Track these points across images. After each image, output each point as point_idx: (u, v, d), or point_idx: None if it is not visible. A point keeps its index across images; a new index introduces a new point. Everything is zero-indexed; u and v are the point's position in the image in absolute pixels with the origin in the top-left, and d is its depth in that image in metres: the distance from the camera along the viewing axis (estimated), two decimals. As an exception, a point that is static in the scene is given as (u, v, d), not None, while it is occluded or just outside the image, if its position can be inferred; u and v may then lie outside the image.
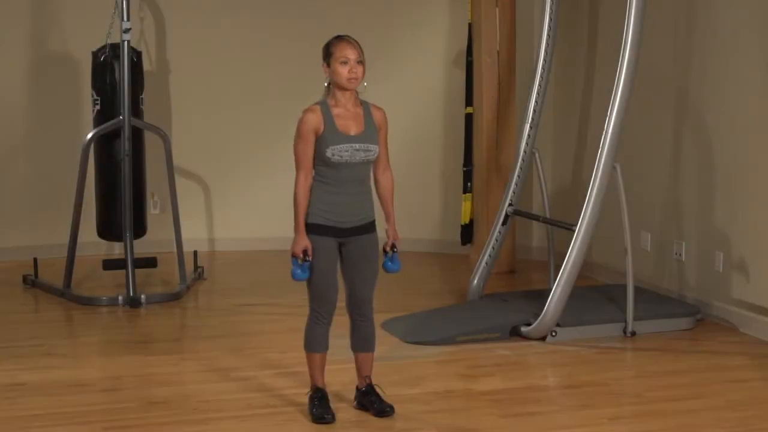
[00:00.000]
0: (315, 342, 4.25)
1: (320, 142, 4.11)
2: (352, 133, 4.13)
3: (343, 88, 4.14)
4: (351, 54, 4.12)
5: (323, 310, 4.21)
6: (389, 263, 4.34)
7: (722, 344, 5.51)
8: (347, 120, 4.15)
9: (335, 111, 4.14)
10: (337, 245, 4.20)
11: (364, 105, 4.22)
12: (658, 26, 6.25)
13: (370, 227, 4.25)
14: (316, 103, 4.18)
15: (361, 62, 4.14)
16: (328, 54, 4.17)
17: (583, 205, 5.52)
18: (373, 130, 4.18)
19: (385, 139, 4.26)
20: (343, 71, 4.11)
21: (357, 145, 4.13)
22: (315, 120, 4.12)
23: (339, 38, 4.19)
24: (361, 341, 4.33)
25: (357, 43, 4.18)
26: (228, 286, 6.99)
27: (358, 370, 4.38)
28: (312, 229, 4.16)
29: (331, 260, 4.18)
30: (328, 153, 4.10)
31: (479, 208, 7.40)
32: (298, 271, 4.14)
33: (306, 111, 4.15)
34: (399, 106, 8.06)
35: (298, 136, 4.16)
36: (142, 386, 4.76)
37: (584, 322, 5.61)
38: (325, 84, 4.19)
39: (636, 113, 6.16)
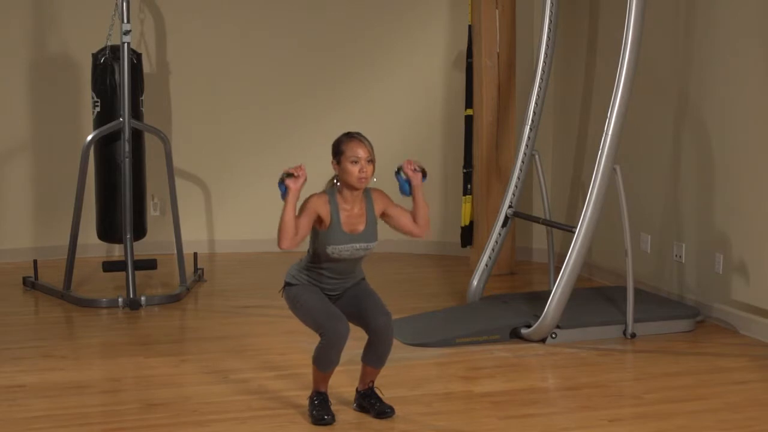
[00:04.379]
0: (327, 362, 4.17)
1: (322, 237, 4.11)
2: (356, 232, 4.14)
3: (352, 187, 4.13)
4: (362, 153, 4.10)
5: (336, 329, 4.08)
6: (404, 185, 4.22)
7: (722, 346, 5.51)
8: (352, 219, 4.15)
9: (342, 208, 4.14)
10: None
11: (366, 194, 4.21)
12: (658, 27, 6.25)
13: (357, 283, 4.30)
14: (324, 192, 4.16)
15: (371, 161, 4.12)
16: (338, 152, 4.14)
17: (583, 207, 5.52)
18: (373, 225, 4.19)
19: (395, 204, 4.26)
20: (353, 170, 4.09)
21: (358, 245, 4.14)
22: (322, 207, 4.10)
23: (350, 137, 4.16)
24: (376, 359, 4.27)
25: (368, 141, 4.15)
26: (228, 287, 6.99)
27: (363, 377, 4.36)
28: (295, 286, 4.22)
29: (319, 295, 4.19)
30: (329, 250, 4.11)
31: (479, 210, 7.40)
32: (283, 186, 4.05)
33: (313, 195, 4.11)
34: (399, 107, 8.09)
35: (300, 209, 4.12)
36: (142, 388, 4.76)
37: (584, 324, 5.61)
38: (334, 181, 4.17)
39: (636, 115, 6.16)
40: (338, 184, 4.16)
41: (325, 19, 8.07)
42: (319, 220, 4.10)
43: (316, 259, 4.19)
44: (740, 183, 5.75)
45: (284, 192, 4.02)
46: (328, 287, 4.22)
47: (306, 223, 4.07)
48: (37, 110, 7.78)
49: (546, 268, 6.46)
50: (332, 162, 4.16)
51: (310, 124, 8.05)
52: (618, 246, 5.95)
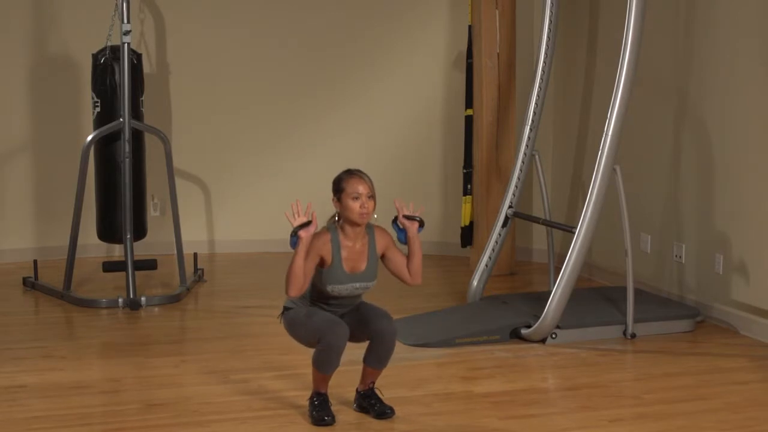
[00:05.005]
0: (327, 365, 4.18)
1: (324, 275, 4.13)
2: (357, 271, 4.15)
3: (354, 224, 4.13)
4: (363, 189, 4.10)
5: (333, 331, 4.09)
6: (400, 234, 4.22)
7: (722, 346, 5.51)
8: (353, 257, 4.15)
9: (344, 245, 4.14)
10: None
11: (369, 231, 4.21)
12: (658, 27, 6.25)
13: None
14: (326, 230, 4.16)
15: (372, 197, 4.13)
16: (339, 189, 4.14)
17: (583, 207, 5.52)
18: (374, 263, 4.20)
19: (395, 248, 4.26)
20: (354, 206, 4.09)
21: (358, 284, 4.16)
22: (324, 248, 4.11)
23: (350, 173, 4.16)
24: (377, 360, 4.28)
25: (368, 177, 4.16)
26: (228, 288, 6.99)
27: (363, 377, 4.36)
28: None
29: (317, 310, 4.21)
30: (329, 288, 4.14)
31: (479, 210, 7.40)
32: (295, 238, 4.04)
33: (315, 235, 4.09)
34: (399, 108, 8.09)
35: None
36: (142, 388, 4.76)
37: (584, 325, 5.61)
38: (335, 218, 4.18)
39: (636, 115, 6.16)
40: (339, 221, 4.17)
41: (325, 19, 8.07)
42: (321, 260, 4.12)
43: (316, 293, 4.22)
44: (740, 183, 5.75)
45: (295, 242, 4.03)
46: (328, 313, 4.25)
47: (311, 267, 4.09)
48: (37, 110, 7.78)
49: (546, 268, 6.46)
50: (333, 199, 4.16)
51: (310, 124, 8.05)
52: (618, 246, 5.95)
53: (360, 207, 4.09)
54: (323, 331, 4.11)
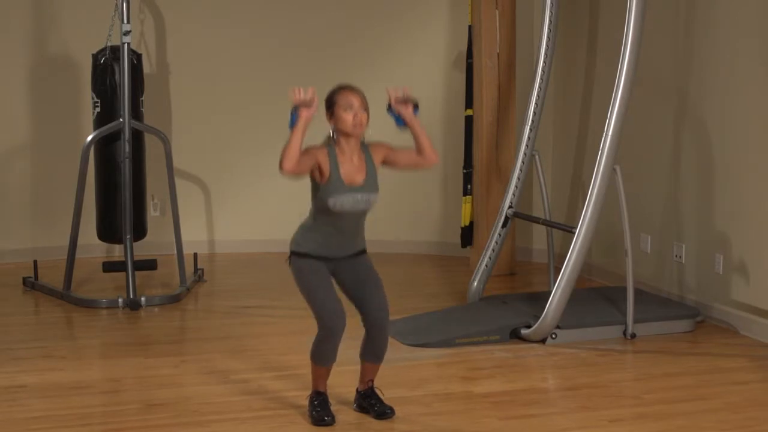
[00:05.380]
0: (324, 357, 4.19)
1: (323, 190, 4.08)
2: (356, 183, 4.11)
3: (348, 135, 4.12)
4: (355, 101, 4.10)
5: (333, 324, 4.09)
6: (398, 120, 4.17)
7: (722, 346, 5.51)
8: (351, 169, 4.12)
9: (340, 159, 4.12)
10: (329, 270, 4.18)
11: (364, 149, 4.20)
12: (658, 27, 6.25)
13: (360, 253, 4.24)
14: (323, 145, 4.15)
15: (365, 110, 4.12)
16: (331, 103, 4.14)
17: (583, 207, 5.52)
18: (373, 175, 4.17)
19: (395, 148, 4.24)
20: (347, 117, 4.09)
21: (359, 196, 4.11)
22: (322, 156, 4.08)
23: (342, 87, 4.17)
24: (373, 354, 4.28)
25: (360, 91, 4.16)
26: (228, 288, 6.99)
27: (362, 375, 4.37)
28: (300, 255, 4.15)
29: (323, 277, 4.15)
30: (330, 203, 4.07)
31: (479, 211, 7.40)
32: (295, 116, 4.02)
33: (312, 145, 4.09)
34: (399, 108, 8.09)
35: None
36: (142, 388, 4.76)
37: (584, 325, 5.61)
38: (330, 134, 4.16)
39: (636, 115, 6.16)
40: (334, 137, 4.14)
41: (325, 19, 8.07)
42: (319, 171, 4.07)
43: (318, 218, 4.14)
44: (740, 183, 5.75)
45: (294, 120, 3.99)
46: (334, 248, 4.15)
47: (306, 161, 4.03)
48: (37, 110, 7.78)
49: (546, 268, 6.46)
50: (326, 115, 4.15)
51: (310, 123, 8.03)
52: (618, 246, 5.95)
53: (353, 118, 4.08)
54: (323, 320, 4.10)
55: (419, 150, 4.19)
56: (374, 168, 4.18)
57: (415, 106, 4.16)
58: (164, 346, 5.49)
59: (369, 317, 4.20)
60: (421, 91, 7.96)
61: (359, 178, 4.13)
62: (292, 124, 4.01)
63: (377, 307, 4.20)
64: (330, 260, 4.17)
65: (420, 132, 4.17)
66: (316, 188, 4.12)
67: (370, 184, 4.15)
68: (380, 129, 4.40)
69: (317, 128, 4.16)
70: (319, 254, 4.14)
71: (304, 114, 4.01)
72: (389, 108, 4.18)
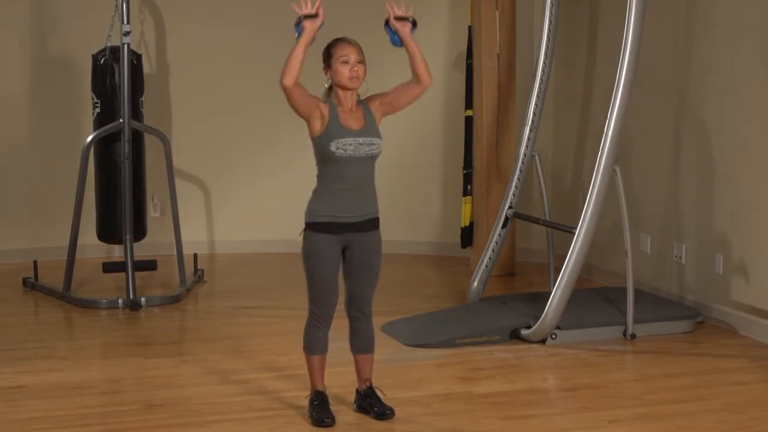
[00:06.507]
0: (314, 344, 4.25)
1: (324, 138, 4.06)
2: (355, 128, 4.11)
3: (345, 88, 4.13)
4: (351, 53, 4.13)
5: (323, 312, 4.19)
6: (393, 37, 4.15)
7: (722, 347, 5.51)
8: (349, 117, 4.13)
9: (339, 110, 4.13)
10: (341, 248, 4.17)
11: (362, 104, 4.21)
12: (658, 27, 6.25)
13: (374, 223, 4.21)
14: (323, 99, 4.17)
15: (361, 62, 4.13)
16: (328, 56, 4.17)
17: (583, 208, 5.52)
18: (373, 124, 4.16)
19: (384, 92, 4.23)
20: (344, 70, 4.11)
21: (361, 139, 4.09)
22: (322, 104, 4.10)
23: (338, 39, 4.20)
24: (360, 341, 4.33)
25: (357, 43, 4.17)
26: (228, 288, 6.99)
27: (358, 372, 4.38)
28: (315, 228, 4.11)
29: (333, 263, 4.15)
30: (332, 147, 4.05)
31: (479, 211, 7.40)
32: (299, 27, 4.01)
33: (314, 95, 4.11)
34: (399, 108, 8.09)
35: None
36: (142, 389, 4.77)
37: (584, 325, 5.61)
38: (326, 86, 4.17)
39: (636, 115, 6.16)
40: (332, 92, 4.15)
41: (325, 19, 8.05)
42: (319, 118, 4.05)
43: (326, 176, 4.12)
44: (740, 183, 5.75)
45: (299, 33, 3.98)
46: (347, 207, 4.11)
47: (307, 98, 4.04)
48: (37, 110, 7.78)
49: (546, 268, 6.46)
50: (323, 69, 4.15)
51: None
52: (618, 246, 5.95)
53: (350, 71, 4.09)
54: (316, 306, 4.16)
55: (414, 70, 4.17)
56: (373, 118, 4.18)
57: (414, 25, 4.12)
58: (164, 347, 5.49)
59: (353, 300, 4.25)
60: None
61: (358, 124, 4.13)
62: (297, 34, 3.99)
63: (363, 297, 4.24)
64: (343, 231, 4.12)
65: (416, 51, 4.17)
66: (318, 144, 4.09)
67: (371, 129, 4.14)
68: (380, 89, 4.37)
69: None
70: (334, 218, 4.10)
71: (308, 26, 4.01)
72: (387, 24, 4.14)
